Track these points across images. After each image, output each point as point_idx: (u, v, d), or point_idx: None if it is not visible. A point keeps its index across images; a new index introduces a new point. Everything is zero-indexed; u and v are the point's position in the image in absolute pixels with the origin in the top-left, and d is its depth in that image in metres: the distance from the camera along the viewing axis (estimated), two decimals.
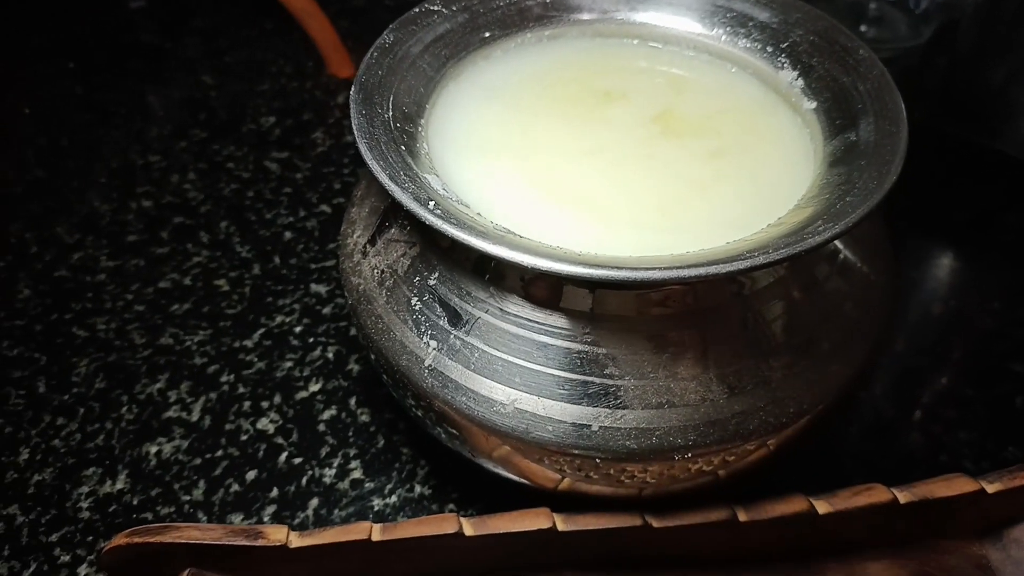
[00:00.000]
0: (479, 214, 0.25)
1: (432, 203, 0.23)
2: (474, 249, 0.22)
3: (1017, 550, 0.29)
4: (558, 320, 0.25)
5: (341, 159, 0.47)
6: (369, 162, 0.24)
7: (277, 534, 0.27)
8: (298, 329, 0.38)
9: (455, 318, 0.26)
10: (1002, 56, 0.42)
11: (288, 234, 0.43)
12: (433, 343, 0.26)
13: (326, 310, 0.39)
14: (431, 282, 0.26)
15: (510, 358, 0.25)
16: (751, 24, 0.31)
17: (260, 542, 0.26)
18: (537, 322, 0.25)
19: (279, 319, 0.39)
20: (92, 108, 0.50)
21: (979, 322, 0.38)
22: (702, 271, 0.21)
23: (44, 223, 0.43)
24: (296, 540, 0.27)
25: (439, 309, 0.26)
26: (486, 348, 0.25)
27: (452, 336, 0.26)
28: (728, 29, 0.31)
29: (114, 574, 0.27)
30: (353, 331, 0.38)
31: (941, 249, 0.41)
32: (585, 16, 0.32)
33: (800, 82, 0.29)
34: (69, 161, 0.47)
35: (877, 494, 0.27)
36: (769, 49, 0.30)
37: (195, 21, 0.56)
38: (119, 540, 0.26)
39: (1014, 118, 0.42)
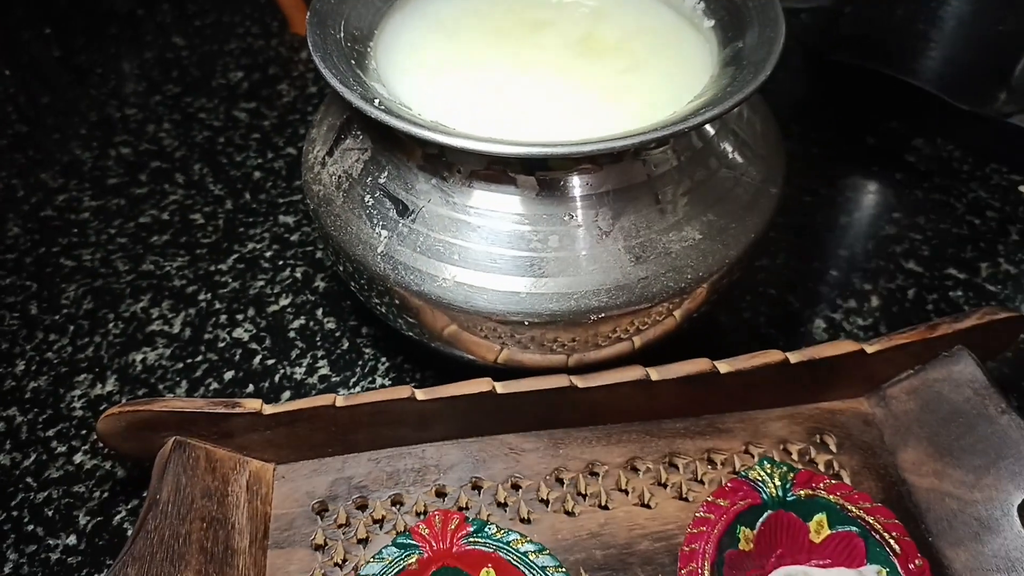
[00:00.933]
0: (420, 114, 0.29)
1: (377, 101, 0.27)
2: (415, 141, 0.26)
3: (897, 405, 0.33)
4: (489, 204, 0.29)
5: (305, 108, 0.50)
6: (323, 71, 0.28)
7: (252, 404, 0.30)
8: (268, 254, 0.42)
9: (403, 209, 0.30)
10: None
11: (257, 174, 0.46)
12: (384, 232, 0.30)
13: (294, 237, 0.43)
14: (381, 180, 0.30)
15: (450, 239, 0.29)
16: None
17: (237, 410, 0.30)
18: (471, 207, 0.29)
19: (251, 246, 0.42)
20: (70, 69, 0.53)
21: (881, 230, 0.42)
22: (599, 147, 0.25)
23: (29, 171, 0.47)
24: (269, 408, 0.30)
25: (388, 203, 0.30)
26: (430, 232, 0.29)
27: (400, 224, 0.29)
28: None
29: (109, 442, 0.31)
30: (319, 254, 0.42)
31: (852, 169, 0.46)
32: None
33: (701, 5, 0.33)
34: (50, 116, 0.50)
35: (772, 355, 0.31)
36: None
37: None
38: (113, 410, 0.30)
39: (917, 53, 0.46)
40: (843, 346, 0.32)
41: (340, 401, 0.30)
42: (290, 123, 0.49)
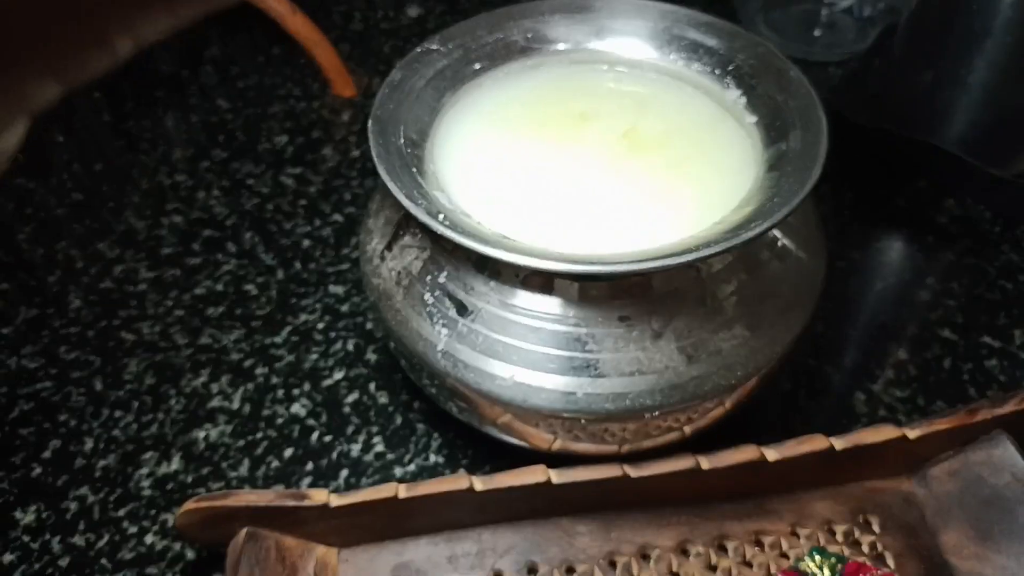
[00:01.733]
0: (479, 222, 0.30)
1: (441, 215, 0.28)
2: (476, 251, 0.28)
3: (938, 486, 0.34)
4: (546, 307, 0.30)
5: (350, 172, 0.52)
6: (389, 184, 0.29)
7: (319, 496, 0.32)
8: (321, 325, 0.43)
9: (462, 309, 0.31)
10: (930, 61, 0.47)
11: (306, 242, 0.48)
12: (445, 331, 0.31)
13: (344, 308, 0.44)
14: (441, 280, 0.32)
15: (509, 340, 0.30)
16: (701, 50, 0.36)
17: (306, 503, 0.32)
18: (530, 309, 0.30)
19: (303, 317, 0.44)
20: (120, 135, 0.55)
21: (915, 295, 0.43)
22: (650, 265, 0.26)
23: (87, 241, 0.48)
24: (335, 500, 0.32)
25: (448, 302, 0.31)
26: (489, 333, 0.30)
27: (460, 324, 0.31)
28: (683, 55, 0.36)
29: (186, 533, 0.32)
30: (369, 325, 0.43)
31: (883, 232, 0.47)
32: (561, 46, 0.38)
33: (743, 100, 0.34)
34: (103, 184, 0.52)
35: (817, 442, 0.32)
36: (717, 71, 0.35)
37: (209, 51, 0.61)
38: (189, 505, 0.31)
39: (944, 117, 0.47)
40: (885, 432, 0.33)
41: (402, 492, 0.32)
42: (335, 188, 0.51)
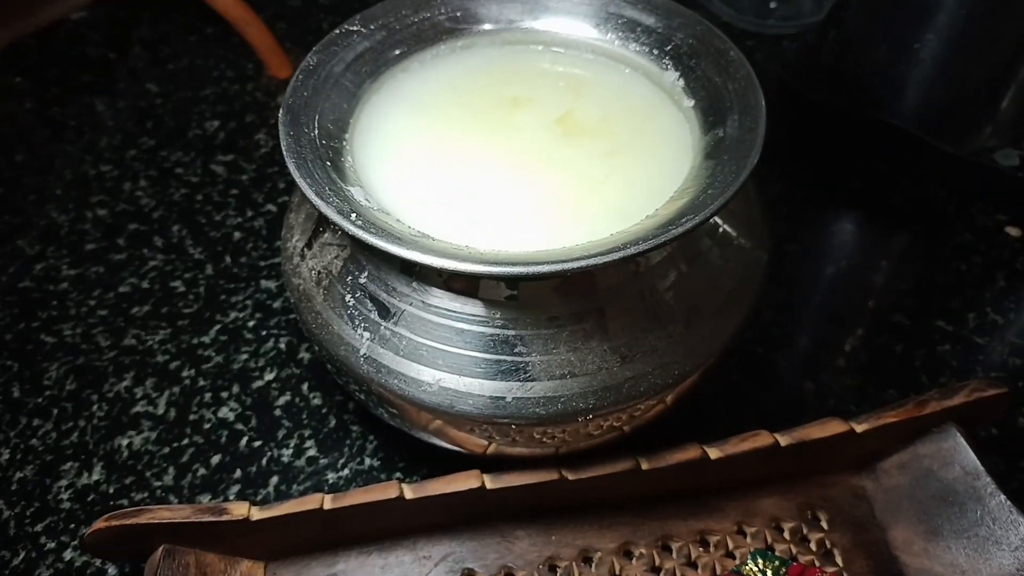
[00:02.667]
0: (398, 220, 0.28)
1: (354, 215, 0.26)
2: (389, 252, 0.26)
3: (887, 479, 0.33)
4: (472, 308, 0.28)
5: (284, 159, 0.49)
6: (297, 179, 0.27)
7: (239, 509, 0.30)
8: (251, 323, 0.41)
9: (384, 311, 0.29)
10: (883, 35, 0.45)
11: (237, 234, 0.46)
12: (366, 334, 0.29)
13: (276, 304, 0.42)
14: (361, 280, 0.30)
15: (433, 344, 0.29)
16: (639, 29, 0.34)
17: (224, 517, 0.30)
18: (454, 311, 0.28)
19: (233, 315, 0.42)
20: (44, 122, 0.52)
21: (867, 279, 0.42)
22: (574, 265, 0.24)
23: (6, 237, 0.46)
24: (257, 513, 0.30)
25: (370, 304, 0.29)
26: (412, 336, 0.29)
27: (382, 327, 0.29)
28: (620, 34, 0.35)
29: (99, 554, 0.30)
30: None
31: (837, 214, 0.46)
32: (492, 26, 0.36)
33: (681, 82, 0.33)
34: (25, 176, 0.49)
35: (761, 439, 0.31)
36: (655, 52, 0.34)
37: (138, 31, 0.58)
38: (99, 524, 0.29)
39: (898, 93, 0.46)
40: (833, 427, 0.32)
41: (328, 503, 0.30)
42: (268, 176, 0.49)
